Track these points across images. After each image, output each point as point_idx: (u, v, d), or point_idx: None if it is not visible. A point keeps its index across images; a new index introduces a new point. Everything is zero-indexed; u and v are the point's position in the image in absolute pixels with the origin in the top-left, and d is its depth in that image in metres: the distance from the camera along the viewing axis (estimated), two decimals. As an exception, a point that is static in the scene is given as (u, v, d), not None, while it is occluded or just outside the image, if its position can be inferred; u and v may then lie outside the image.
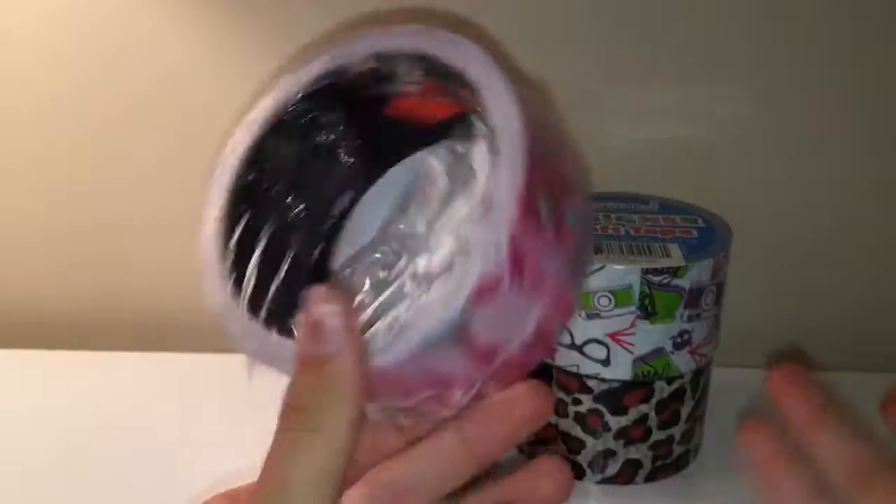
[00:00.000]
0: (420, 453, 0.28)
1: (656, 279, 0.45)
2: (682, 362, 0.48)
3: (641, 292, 0.45)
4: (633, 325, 0.46)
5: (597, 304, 0.46)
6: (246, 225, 0.29)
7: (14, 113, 0.63)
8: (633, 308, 0.46)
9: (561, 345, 0.48)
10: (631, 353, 0.47)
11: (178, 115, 0.63)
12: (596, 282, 0.46)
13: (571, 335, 0.47)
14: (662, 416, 0.48)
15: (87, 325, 0.69)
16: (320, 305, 0.25)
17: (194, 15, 0.60)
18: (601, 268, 0.45)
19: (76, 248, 0.67)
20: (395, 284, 0.28)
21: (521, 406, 0.28)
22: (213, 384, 0.59)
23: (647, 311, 0.46)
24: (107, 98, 0.62)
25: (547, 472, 0.29)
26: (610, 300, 0.46)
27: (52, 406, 0.56)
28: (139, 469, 0.50)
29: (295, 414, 0.25)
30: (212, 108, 0.62)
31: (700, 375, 0.49)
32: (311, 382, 0.25)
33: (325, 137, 0.31)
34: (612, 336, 0.46)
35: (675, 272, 0.45)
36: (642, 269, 0.45)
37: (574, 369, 0.48)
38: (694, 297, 0.46)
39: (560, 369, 0.48)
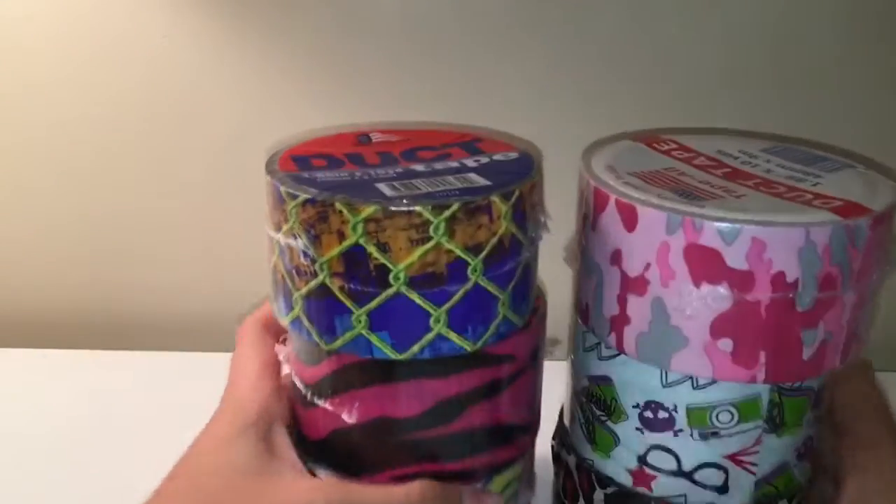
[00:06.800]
0: None
1: (787, 382, 0.36)
2: (802, 473, 0.39)
3: (770, 401, 0.36)
4: (758, 441, 0.37)
5: (715, 421, 0.36)
6: None
7: (15, 113, 0.62)
8: (759, 422, 0.36)
9: (661, 471, 0.38)
10: (753, 474, 0.37)
11: (179, 115, 0.62)
12: (715, 394, 0.36)
13: (678, 460, 0.37)
14: (780, 540, 0.39)
15: (87, 325, 0.69)
16: None
17: (195, 15, 0.59)
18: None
19: (76, 247, 0.67)
20: None
21: None
22: (213, 384, 0.57)
23: (775, 423, 0.36)
24: (108, 98, 0.61)
25: None
26: (732, 415, 0.36)
27: (52, 406, 0.57)
28: (139, 469, 0.47)
29: None
30: (213, 108, 0.61)
31: (813, 481, 0.41)
32: None
33: None
34: (733, 457, 0.37)
35: (807, 372, 0.36)
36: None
37: (680, 501, 0.38)
38: (819, 396, 0.38)
39: (660, 501, 0.38)
